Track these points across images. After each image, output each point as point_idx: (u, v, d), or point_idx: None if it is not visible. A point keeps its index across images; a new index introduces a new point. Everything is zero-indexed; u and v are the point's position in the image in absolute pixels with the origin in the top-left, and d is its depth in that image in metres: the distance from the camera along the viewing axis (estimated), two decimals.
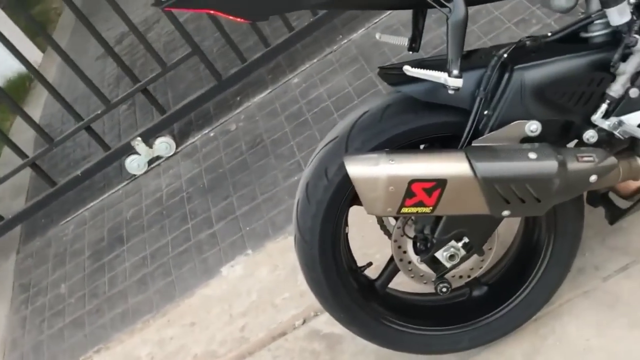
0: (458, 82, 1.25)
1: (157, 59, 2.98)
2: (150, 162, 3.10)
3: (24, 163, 3.04)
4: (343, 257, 1.54)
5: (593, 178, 1.29)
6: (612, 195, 1.57)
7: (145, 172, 3.10)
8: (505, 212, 1.31)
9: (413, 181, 1.26)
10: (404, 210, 1.30)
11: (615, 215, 1.55)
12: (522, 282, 1.59)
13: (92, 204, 3.16)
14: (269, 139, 2.82)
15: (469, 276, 1.55)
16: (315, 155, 1.47)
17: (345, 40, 3.04)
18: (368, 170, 1.27)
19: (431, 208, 1.30)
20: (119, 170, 3.20)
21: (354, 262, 1.64)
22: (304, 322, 2.05)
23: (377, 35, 1.54)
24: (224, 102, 3.17)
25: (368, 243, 1.95)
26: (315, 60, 3.05)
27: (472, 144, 1.33)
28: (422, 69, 1.27)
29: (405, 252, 1.51)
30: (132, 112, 3.63)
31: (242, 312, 2.23)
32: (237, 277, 2.36)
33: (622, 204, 1.55)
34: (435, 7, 1.25)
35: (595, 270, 1.69)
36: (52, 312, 2.72)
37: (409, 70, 1.27)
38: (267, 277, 2.28)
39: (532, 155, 1.27)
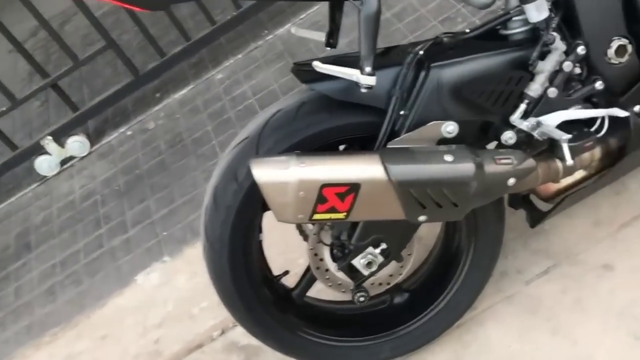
0: (371, 80, 1.17)
1: (69, 53, 2.78)
2: (62, 162, 2.89)
3: None
4: (256, 267, 1.44)
5: (511, 181, 1.24)
6: (533, 197, 1.53)
7: (57, 174, 2.90)
8: (422, 218, 1.24)
9: (324, 185, 1.17)
10: (317, 216, 1.21)
11: (536, 218, 1.51)
12: (443, 287, 1.53)
13: None
14: (189, 138, 2.68)
15: (388, 283, 1.47)
16: (224, 157, 1.36)
17: (271, 36, 2.93)
18: (276, 174, 1.17)
19: (345, 214, 1.21)
20: (29, 172, 2.98)
21: (270, 271, 1.54)
22: (222, 333, 1.94)
23: (293, 30, 1.45)
24: (142, 98, 3.00)
25: (292, 247, 1.85)
26: (239, 56, 2.93)
27: (388, 146, 1.26)
28: (334, 66, 1.18)
29: (322, 259, 1.43)
30: (46, 109, 3.39)
31: (157, 323, 2.09)
32: (153, 286, 2.22)
33: (543, 206, 1.51)
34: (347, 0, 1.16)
35: (517, 273, 1.65)
36: None
37: (318, 66, 1.18)
38: (184, 286, 2.15)
39: (448, 157, 1.20)
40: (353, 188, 1.18)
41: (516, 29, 1.32)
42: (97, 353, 2.11)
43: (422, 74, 1.27)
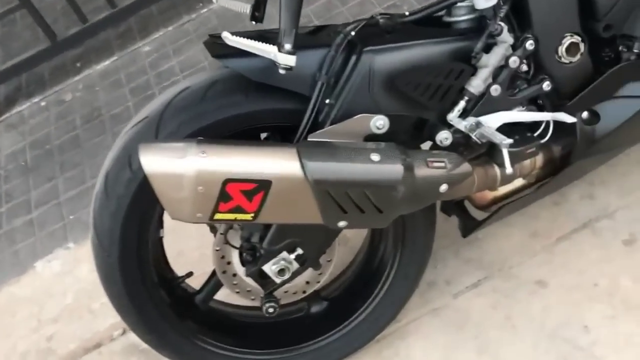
0: (289, 60, 1.00)
1: None
2: None
3: None
4: (153, 267, 1.25)
5: (444, 187, 1.10)
6: (467, 204, 1.40)
7: None
8: (342, 223, 1.09)
9: (228, 181, 1.00)
10: (219, 216, 1.03)
11: (469, 227, 1.38)
12: (366, 297, 1.39)
13: None
14: (108, 114, 2.45)
15: (304, 292, 1.32)
16: (119, 139, 1.17)
17: (205, 9, 2.71)
18: (170, 164, 0.99)
19: (252, 215, 1.04)
20: None
21: (171, 271, 1.36)
22: (124, 332, 1.74)
23: (214, 0, 1.26)
24: (61, 67, 2.74)
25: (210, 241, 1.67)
26: (170, 28, 2.71)
27: (308, 139, 1.09)
28: (247, 39, 1.01)
29: (229, 262, 1.25)
30: None
31: (54, 317, 1.87)
32: (53, 275, 1.99)
33: (478, 214, 1.38)
34: None
35: (446, 284, 1.52)
36: None
37: (228, 38, 1.00)
38: (87, 277, 1.93)
39: (375, 156, 1.04)
40: (263, 186, 1.01)
41: (461, 16, 1.17)
42: None
43: (353, 58, 1.11)
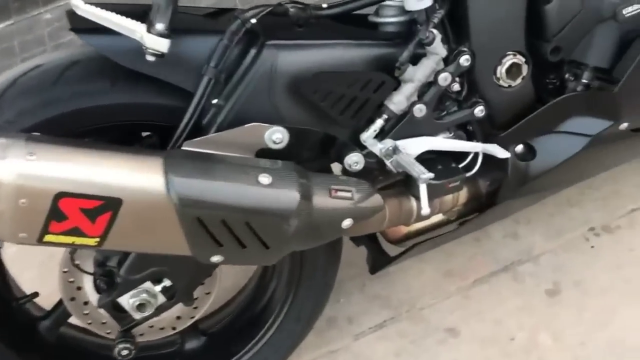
0: (160, 44, 0.78)
1: None
2: None
3: None
4: None
5: (347, 222, 0.89)
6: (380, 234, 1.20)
7: None
8: (217, 258, 0.86)
9: (62, 195, 0.75)
10: (50, 238, 0.78)
11: (378, 263, 1.18)
12: (251, 336, 1.17)
13: None
14: None
15: (173, 328, 1.08)
16: None
17: None
18: None
19: (97, 240, 0.80)
20: None
21: (9, 290, 1.10)
22: None
23: None
24: None
25: None
26: None
27: (183, 147, 0.86)
28: (107, 12, 0.77)
29: (79, 288, 1.01)
30: None
31: None
32: None
33: (391, 247, 1.19)
34: None
35: (348, 323, 1.33)
36: None
37: (79, 7, 0.76)
38: None
39: (265, 178, 0.83)
40: (110, 204, 0.77)
41: (389, 17, 0.98)
42: None
43: (252, 52, 0.90)
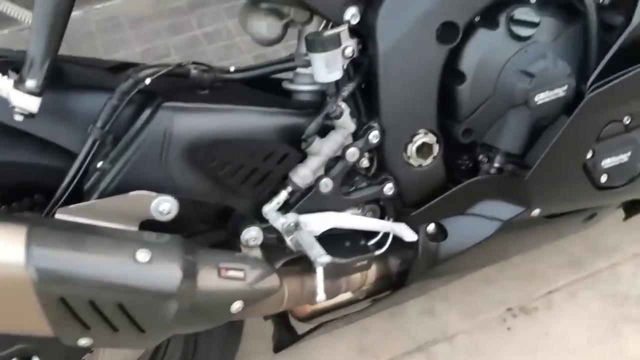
0: (30, 103, 0.70)
1: None
2: None
3: None
4: None
5: (237, 306, 0.82)
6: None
7: None
8: (85, 341, 0.76)
9: None
10: None
11: (283, 340, 1.10)
12: None
13: None
14: None
15: None
16: None
17: None
18: None
19: None
20: None
21: None
22: None
23: None
24: None
25: None
26: None
27: (57, 214, 0.78)
28: None
29: None
30: None
31: None
32: None
33: (300, 325, 1.12)
34: None
35: None
36: None
37: None
38: None
39: (143, 254, 0.75)
40: None
41: (302, 85, 0.93)
42: None
43: (146, 112, 0.83)
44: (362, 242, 0.97)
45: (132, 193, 0.79)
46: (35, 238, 0.71)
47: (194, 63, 0.88)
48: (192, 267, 0.78)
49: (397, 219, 0.99)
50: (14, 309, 0.72)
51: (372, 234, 0.99)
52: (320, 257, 0.82)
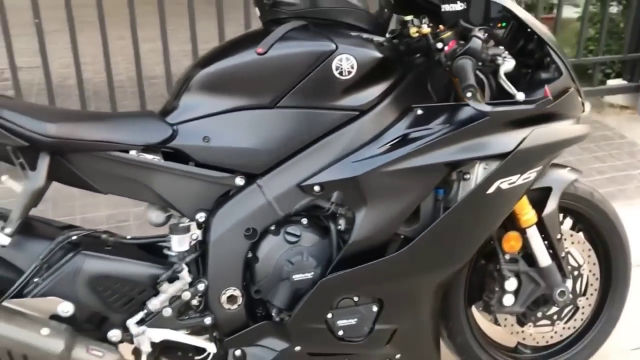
0: (3, 240, 1.35)
1: None
2: None
3: None
4: None
5: None
6: None
7: None
8: None
9: None
10: None
11: None
12: None
13: None
14: None
15: None
16: None
17: None
18: None
19: None
20: None
21: None
22: None
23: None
24: None
25: None
26: None
27: (3, 303, 1.38)
28: None
29: None
30: None
31: None
32: None
33: None
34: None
35: None
36: None
37: None
38: None
39: (45, 330, 1.34)
40: None
41: (168, 251, 1.57)
42: None
43: (69, 255, 1.46)
44: (190, 354, 1.56)
45: (49, 297, 1.41)
46: None
47: (105, 232, 1.54)
48: (71, 342, 1.37)
49: (217, 342, 1.58)
50: None
51: (202, 351, 1.57)
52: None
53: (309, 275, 1.55)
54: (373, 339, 1.62)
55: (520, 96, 1.48)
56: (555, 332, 1.98)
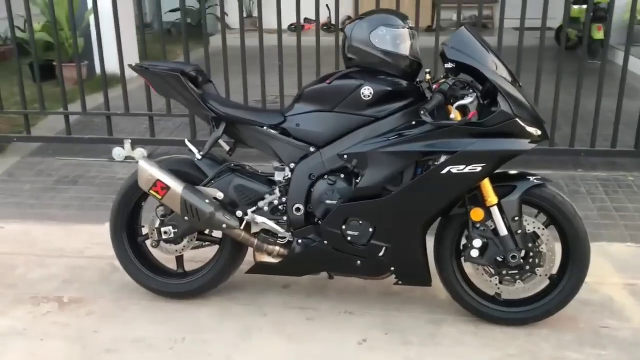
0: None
1: None
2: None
3: None
4: None
5: None
6: None
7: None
8: None
9: None
10: None
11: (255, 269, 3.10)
12: None
13: None
14: None
15: None
16: None
17: None
18: None
19: None
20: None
21: None
22: None
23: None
24: None
25: None
26: None
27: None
28: None
29: None
30: None
31: None
32: None
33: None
34: None
35: None
36: None
37: None
38: None
39: (207, 200, 2.89)
40: None
41: (275, 180, 3.01)
42: None
43: (228, 173, 3.00)
44: (275, 236, 2.97)
45: (216, 188, 2.97)
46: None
47: (248, 166, 3.06)
48: (216, 209, 2.90)
49: (289, 232, 2.96)
50: None
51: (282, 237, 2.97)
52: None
53: (334, 202, 2.84)
54: (371, 248, 2.83)
55: (452, 116, 2.59)
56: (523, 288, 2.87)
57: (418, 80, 2.89)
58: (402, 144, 2.72)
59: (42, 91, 5.15)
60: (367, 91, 2.77)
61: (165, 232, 3.04)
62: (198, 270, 3.16)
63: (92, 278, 3.42)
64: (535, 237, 2.83)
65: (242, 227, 2.95)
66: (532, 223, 2.83)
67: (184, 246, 3.11)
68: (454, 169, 2.67)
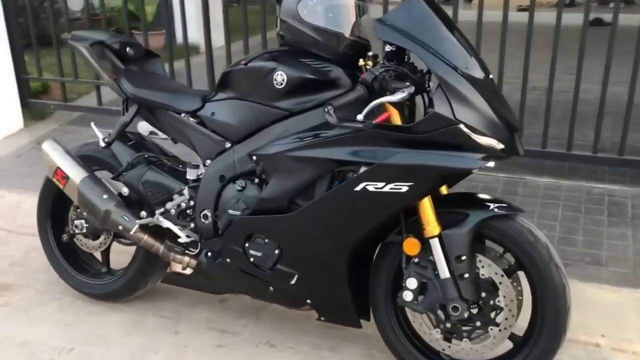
0: None
1: None
2: None
3: None
4: None
5: None
6: None
7: None
8: None
9: None
10: None
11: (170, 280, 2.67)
12: None
13: None
14: None
15: None
16: None
17: None
18: None
19: None
20: None
21: None
22: None
23: None
24: None
25: None
26: None
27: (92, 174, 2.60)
28: None
29: None
30: None
31: None
32: None
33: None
34: None
35: None
36: None
37: None
38: None
39: (105, 195, 2.49)
40: None
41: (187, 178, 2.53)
42: None
43: (142, 165, 2.57)
44: (178, 240, 2.50)
45: (122, 182, 2.56)
46: None
47: (170, 157, 2.61)
48: (115, 207, 2.49)
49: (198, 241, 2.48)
50: None
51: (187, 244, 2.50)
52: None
53: (237, 213, 2.29)
54: (277, 274, 2.25)
55: (359, 117, 1.91)
56: (471, 349, 2.15)
57: (365, 65, 2.21)
58: (312, 147, 2.10)
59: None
60: (279, 77, 2.18)
61: (76, 226, 2.69)
62: (115, 272, 2.79)
63: (40, 265, 3.17)
64: (492, 285, 2.09)
65: (143, 230, 2.50)
66: (489, 267, 2.08)
67: (101, 243, 2.75)
68: (370, 186, 2.00)
